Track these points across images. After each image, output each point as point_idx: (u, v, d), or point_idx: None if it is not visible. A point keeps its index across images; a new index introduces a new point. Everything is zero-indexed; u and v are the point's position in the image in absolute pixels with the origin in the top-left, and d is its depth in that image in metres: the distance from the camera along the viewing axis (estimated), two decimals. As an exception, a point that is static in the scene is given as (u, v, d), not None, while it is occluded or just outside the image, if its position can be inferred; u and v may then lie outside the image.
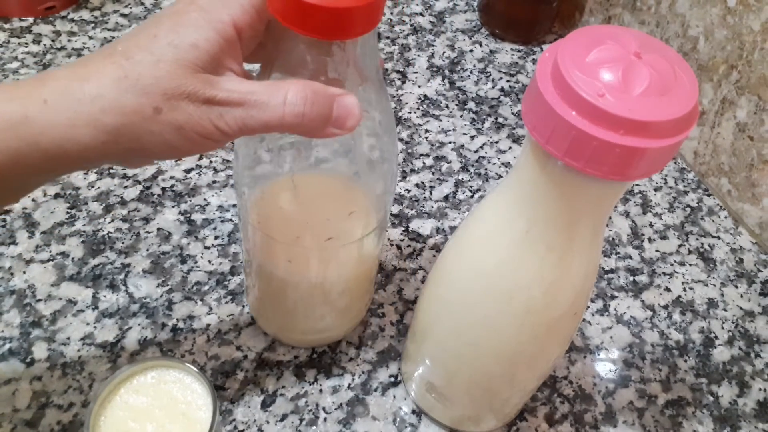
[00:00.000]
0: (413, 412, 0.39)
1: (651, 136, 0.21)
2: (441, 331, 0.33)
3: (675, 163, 0.59)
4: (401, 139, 0.56)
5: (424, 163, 0.55)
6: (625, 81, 0.21)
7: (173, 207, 0.48)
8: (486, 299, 0.29)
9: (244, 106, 0.24)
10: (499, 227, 0.28)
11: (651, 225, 0.53)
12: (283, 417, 0.38)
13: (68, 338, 0.40)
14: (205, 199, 0.49)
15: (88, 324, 0.41)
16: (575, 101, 0.21)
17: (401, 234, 0.49)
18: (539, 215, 0.26)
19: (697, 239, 0.53)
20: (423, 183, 0.53)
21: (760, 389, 0.43)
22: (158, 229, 0.47)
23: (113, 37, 0.62)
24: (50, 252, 0.44)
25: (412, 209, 0.51)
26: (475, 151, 0.56)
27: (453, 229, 0.50)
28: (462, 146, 0.56)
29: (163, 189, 0.49)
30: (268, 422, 0.38)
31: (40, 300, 0.42)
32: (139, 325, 0.41)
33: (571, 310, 0.29)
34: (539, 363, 0.32)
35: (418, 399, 0.39)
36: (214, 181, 0.50)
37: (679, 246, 0.52)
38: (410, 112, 0.59)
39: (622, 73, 0.21)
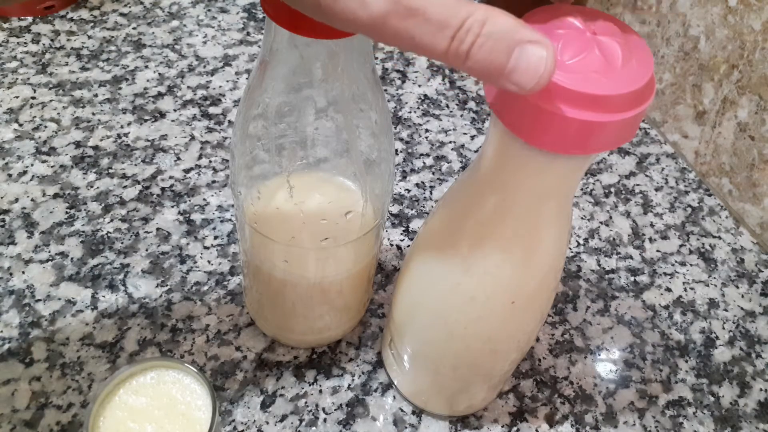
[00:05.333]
0: (413, 412, 0.39)
1: (606, 110, 0.21)
2: (419, 318, 0.34)
3: (676, 162, 0.59)
4: (401, 139, 0.56)
5: (424, 162, 0.54)
6: (580, 57, 0.22)
7: (172, 207, 0.48)
8: (460, 282, 0.30)
9: (414, 15, 0.19)
10: (467, 211, 0.29)
11: (652, 225, 0.53)
12: (283, 417, 0.38)
13: (67, 338, 0.40)
14: (204, 199, 0.49)
15: (87, 324, 0.41)
16: None
17: (401, 234, 0.49)
18: (505, 196, 0.27)
19: (698, 239, 0.52)
20: (423, 183, 0.53)
21: (761, 390, 0.43)
22: (157, 229, 0.47)
23: (112, 37, 0.62)
24: (49, 252, 0.44)
25: (412, 209, 0.51)
26: (476, 151, 0.56)
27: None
28: (462, 146, 0.56)
29: (163, 189, 0.49)
30: (267, 423, 0.38)
31: (39, 300, 0.42)
32: (138, 325, 0.41)
33: (542, 287, 0.30)
34: (517, 336, 0.33)
35: (394, 376, 0.40)
36: (214, 181, 0.50)
37: (680, 246, 0.52)
38: (410, 112, 0.59)
39: (577, 49, 0.22)
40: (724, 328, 0.47)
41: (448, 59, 0.20)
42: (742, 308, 0.48)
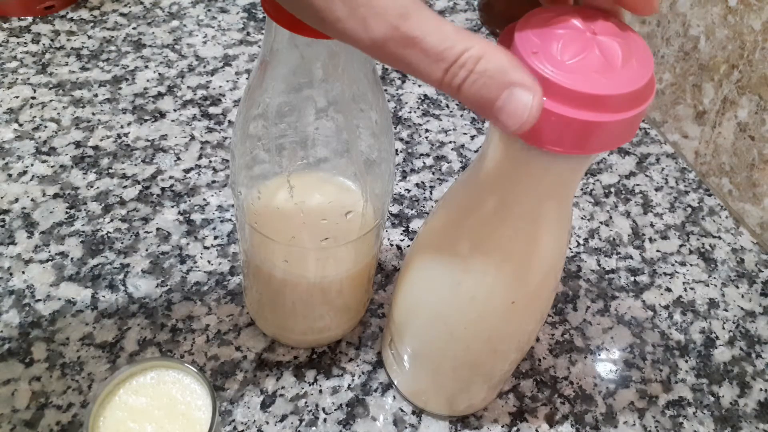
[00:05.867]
0: (413, 412, 0.39)
1: (606, 110, 0.21)
2: (419, 318, 0.34)
3: (676, 162, 0.59)
4: (401, 139, 0.56)
5: (424, 162, 0.54)
6: (580, 57, 0.22)
7: (172, 207, 0.48)
8: (459, 282, 0.30)
9: (412, 45, 0.19)
10: (467, 211, 0.29)
11: (652, 225, 0.53)
12: (283, 417, 0.38)
13: (67, 338, 0.40)
14: (204, 199, 0.49)
15: (87, 324, 0.41)
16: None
17: (401, 234, 0.49)
18: (505, 196, 0.27)
19: (698, 239, 0.52)
20: (423, 183, 0.53)
21: (761, 390, 0.43)
22: (157, 229, 0.47)
23: (112, 37, 0.62)
24: (49, 252, 0.44)
25: (412, 209, 0.51)
26: (475, 151, 0.56)
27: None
28: (462, 146, 0.56)
29: (163, 189, 0.49)
30: (267, 423, 0.38)
31: (39, 300, 0.42)
32: (138, 325, 0.41)
33: (542, 287, 0.30)
34: (517, 336, 0.33)
35: (394, 376, 0.40)
36: (214, 181, 0.50)
37: (680, 246, 0.52)
38: (410, 112, 0.59)
39: (577, 49, 0.22)
40: (724, 328, 0.47)
41: (442, 88, 0.20)
42: (742, 308, 0.48)
